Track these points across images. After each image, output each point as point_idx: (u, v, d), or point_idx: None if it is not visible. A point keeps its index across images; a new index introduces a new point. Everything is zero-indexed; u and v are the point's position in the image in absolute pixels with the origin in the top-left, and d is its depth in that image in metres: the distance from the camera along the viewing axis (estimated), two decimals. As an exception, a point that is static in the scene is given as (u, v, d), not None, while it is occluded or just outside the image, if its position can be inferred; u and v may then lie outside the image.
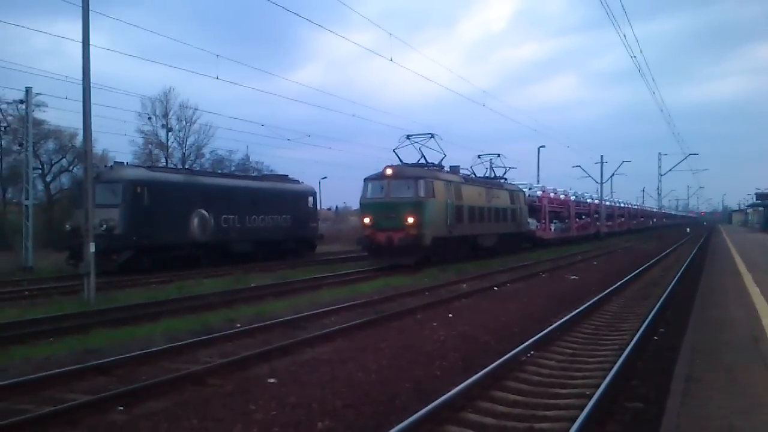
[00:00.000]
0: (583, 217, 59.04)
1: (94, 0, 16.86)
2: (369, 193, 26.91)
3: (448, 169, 30.59)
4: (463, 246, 29.73)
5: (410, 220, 25.26)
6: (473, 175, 34.72)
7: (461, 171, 32.83)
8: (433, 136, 29.43)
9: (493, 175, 37.99)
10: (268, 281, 21.48)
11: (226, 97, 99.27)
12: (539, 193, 46.54)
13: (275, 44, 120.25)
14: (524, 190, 41.43)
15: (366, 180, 27.26)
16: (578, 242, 50.60)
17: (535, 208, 44.00)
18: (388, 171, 26.61)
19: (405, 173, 26.82)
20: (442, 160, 29.98)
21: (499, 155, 38.88)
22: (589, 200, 61.90)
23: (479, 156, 38.41)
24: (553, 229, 48.10)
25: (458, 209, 28.42)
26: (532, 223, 42.22)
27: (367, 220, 26.48)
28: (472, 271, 24.54)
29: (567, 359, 10.01)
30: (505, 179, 39.08)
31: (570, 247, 43.37)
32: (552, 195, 49.52)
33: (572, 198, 54.90)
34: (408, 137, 29.53)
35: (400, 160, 28.84)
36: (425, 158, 29.38)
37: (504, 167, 39.28)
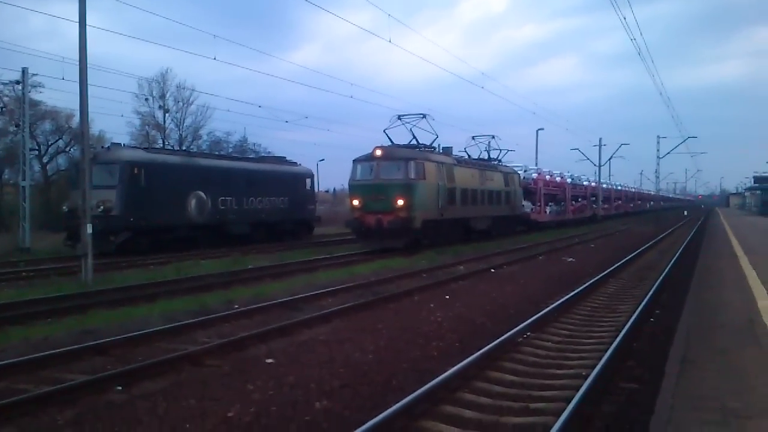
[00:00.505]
0: (580, 199, 58.71)
1: (90, -21, 16.73)
2: (358, 175, 26.40)
3: (441, 151, 30.01)
4: (455, 229, 29.26)
5: (400, 202, 24.75)
6: (468, 157, 34.29)
7: (456, 153, 32.53)
8: (425, 116, 28.78)
9: (487, 157, 37.48)
10: (266, 263, 21.50)
11: (223, 78, 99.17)
12: (534, 175, 46.09)
13: (272, 24, 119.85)
14: (519, 172, 40.98)
15: (355, 161, 26.74)
16: (574, 225, 50.26)
17: (530, 190, 43.50)
18: (378, 152, 26.00)
19: (395, 154, 26.23)
20: (434, 141, 29.44)
21: (494, 137, 38.14)
22: (585, 183, 61.57)
23: (473, 137, 37.62)
24: (548, 211, 47.66)
25: (450, 191, 27.91)
26: (527, 205, 41.76)
27: (355, 202, 25.95)
28: (469, 254, 24.58)
29: (563, 340, 10.07)
30: (500, 161, 38.38)
31: (567, 230, 43.40)
32: (548, 177, 49.10)
33: (568, 180, 54.51)
34: (399, 117, 28.86)
35: (391, 141, 28.26)
36: (416, 139, 28.82)
37: (499, 149, 38.86)
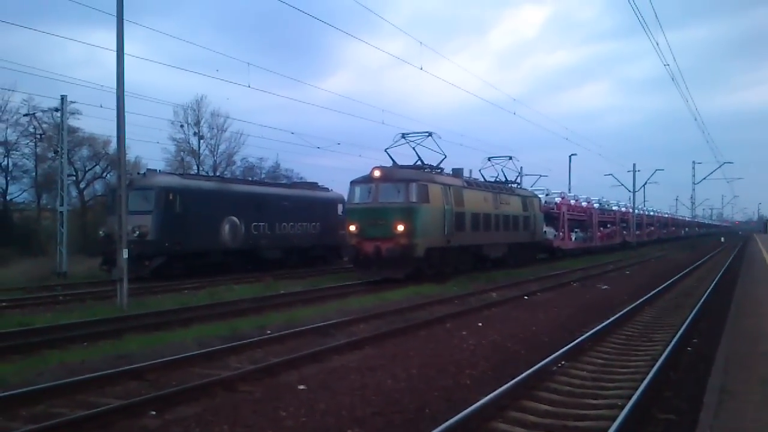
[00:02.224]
0: (608, 225, 56.00)
1: (128, 10, 17.04)
2: (356, 198, 24.43)
3: (450, 172, 28.12)
4: (464, 257, 27.13)
5: (400, 228, 22.71)
6: (482, 179, 32.22)
7: (471, 175, 30.74)
8: (430, 134, 26.70)
9: (504, 180, 34.66)
10: (298, 288, 21.58)
11: (256, 105, 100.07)
12: (558, 199, 43.41)
13: (306, 52, 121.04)
14: (540, 196, 38.60)
15: (353, 183, 24.86)
16: (603, 252, 48.21)
17: (552, 216, 41.11)
18: (376, 173, 23.97)
19: (395, 175, 24.17)
20: (441, 161, 27.23)
21: (511, 158, 35.03)
22: (615, 208, 59.21)
23: (490, 159, 34.65)
24: (573, 238, 45.23)
25: (459, 216, 25.70)
26: (550, 232, 39.64)
27: (352, 227, 23.86)
28: (501, 280, 24.38)
29: (598, 369, 9.92)
30: (518, 184, 35.98)
31: (601, 257, 42.81)
32: (573, 202, 46.80)
33: (596, 205, 51.92)
34: (403, 136, 26.79)
35: (393, 161, 26.42)
36: (421, 159, 26.79)
37: (518, 171, 36.38)
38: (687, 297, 19.42)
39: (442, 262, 25.23)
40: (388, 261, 22.73)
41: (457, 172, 28.62)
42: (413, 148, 26.85)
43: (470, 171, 31.38)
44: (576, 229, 46.55)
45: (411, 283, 22.36)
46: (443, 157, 27.28)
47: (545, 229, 38.01)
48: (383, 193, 23.63)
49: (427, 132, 26.83)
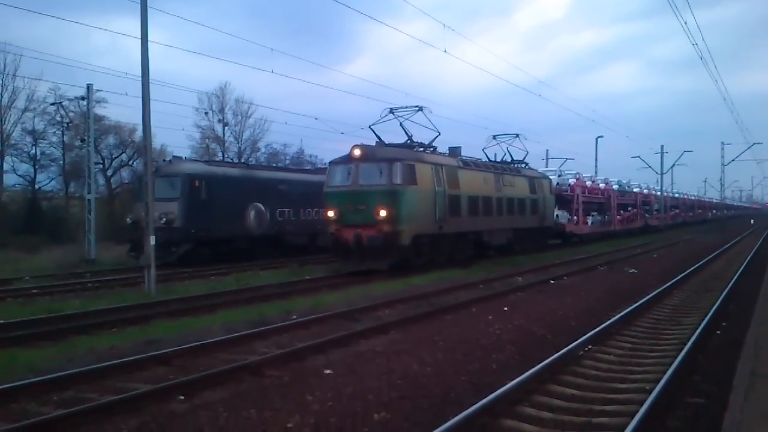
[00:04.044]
0: (629, 208, 53.11)
1: (152, -3, 17.14)
2: (335, 180, 22.10)
3: (447, 152, 25.79)
4: (461, 245, 24.81)
5: (383, 213, 20.47)
6: (487, 159, 29.58)
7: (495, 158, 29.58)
8: (421, 108, 24.09)
9: (510, 159, 31.66)
10: (323, 273, 21.63)
11: (280, 91, 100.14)
12: (572, 181, 40.53)
13: (328, 37, 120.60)
14: (551, 177, 35.91)
15: (331, 163, 22.96)
16: (625, 237, 45.87)
17: (566, 198, 38.49)
18: (356, 152, 21.61)
19: (377, 154, 21.81)
20: (434, 139, 24.80)
21: (518, 135, 31.77)
22: (635, 189, 56.52)
23: (495, 137, 31.35)
24: (590, 222, 42.49)
25: (453, 199, 23.33)
26: (563, 216, 37.11)
27: (331, 213, 21.63)
28: (527, 264, 24.27)
29: (626, 353, 9.85)
30: (526, 164, 32.84)
31: (627, 240, 42.34)
32: (589, 183, 44.18)
33: (615, 187, 49.26)
34: (392, 111, 24.25)
35: (379, 139, 23.85)
36: (410, 137, 24.23)
37: (525, 150, 32.94)
38: (715, 280, 19.20)
39: (433, 251, 23.06)
40: (370, 250, 20.63)
41: (454, 151, 26.31)
42: (401, 124, 24.41)
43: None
44: (593, 213, 44.17)
45: (435, 268, 22.02)
46: (437, 134, 25.02)
47: (557, 212, 35.69)
48: (364, 174, 21.40)
49: (417, 106, 24.32)
